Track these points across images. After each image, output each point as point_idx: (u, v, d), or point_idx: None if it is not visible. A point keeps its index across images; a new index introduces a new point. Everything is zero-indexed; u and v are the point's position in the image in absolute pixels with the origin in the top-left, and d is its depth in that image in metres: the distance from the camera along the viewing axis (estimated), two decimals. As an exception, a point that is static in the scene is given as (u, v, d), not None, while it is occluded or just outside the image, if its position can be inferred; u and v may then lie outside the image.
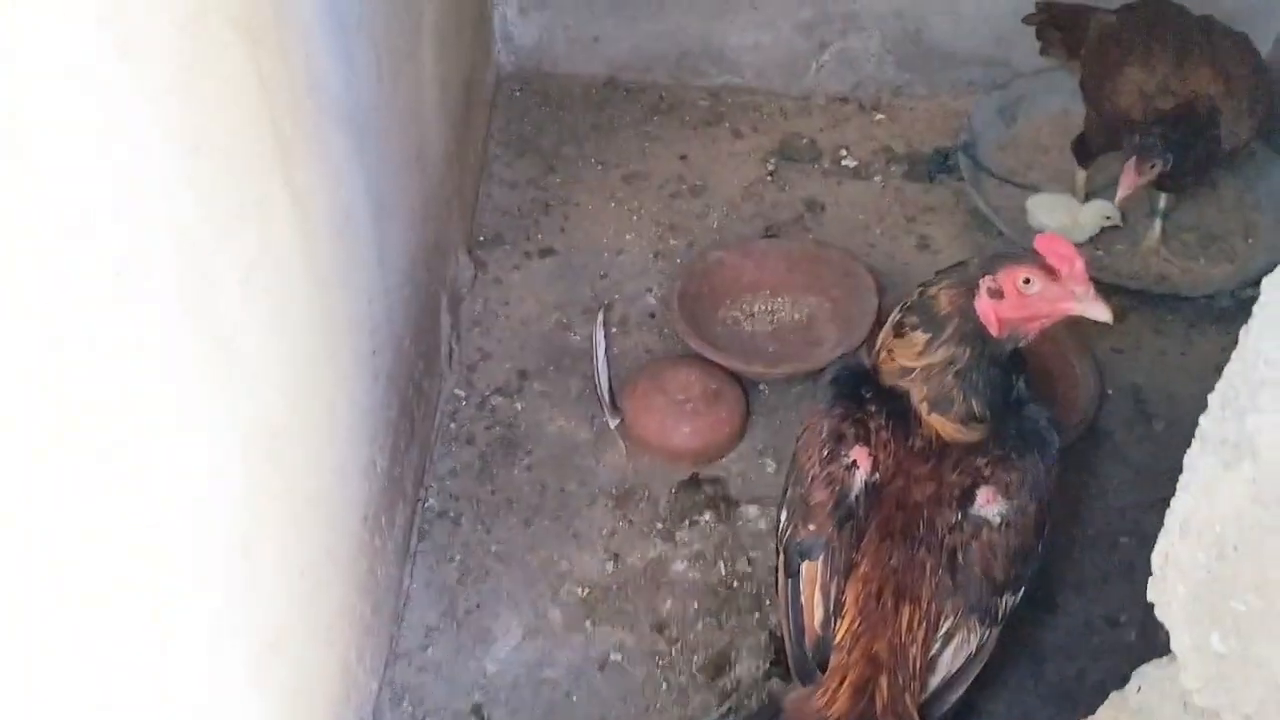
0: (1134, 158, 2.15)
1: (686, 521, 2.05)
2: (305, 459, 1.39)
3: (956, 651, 1.44)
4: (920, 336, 1.45)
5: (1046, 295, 1.39)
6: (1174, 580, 0.86)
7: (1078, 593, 1.97)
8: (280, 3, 1.23)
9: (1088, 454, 2.15)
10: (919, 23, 2.74)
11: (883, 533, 1.45)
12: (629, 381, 2.21)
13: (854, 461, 1.46)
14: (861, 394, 1.52)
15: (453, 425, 2.19)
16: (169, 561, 1.05)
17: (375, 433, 1.68)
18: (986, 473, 1.45)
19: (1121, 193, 2.19)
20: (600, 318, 2.35)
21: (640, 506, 2.08)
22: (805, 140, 2.78)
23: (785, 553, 1.51)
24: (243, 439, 1.18)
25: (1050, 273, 1.38)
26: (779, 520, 1.58)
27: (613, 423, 2.18)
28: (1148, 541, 1.99)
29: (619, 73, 2.90)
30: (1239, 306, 2.36)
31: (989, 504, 1.44)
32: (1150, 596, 0.92)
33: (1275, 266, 2.41)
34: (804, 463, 1.52)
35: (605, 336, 2.31)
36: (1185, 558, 0.85)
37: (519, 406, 2.24)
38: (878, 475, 1.46)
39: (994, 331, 1.42)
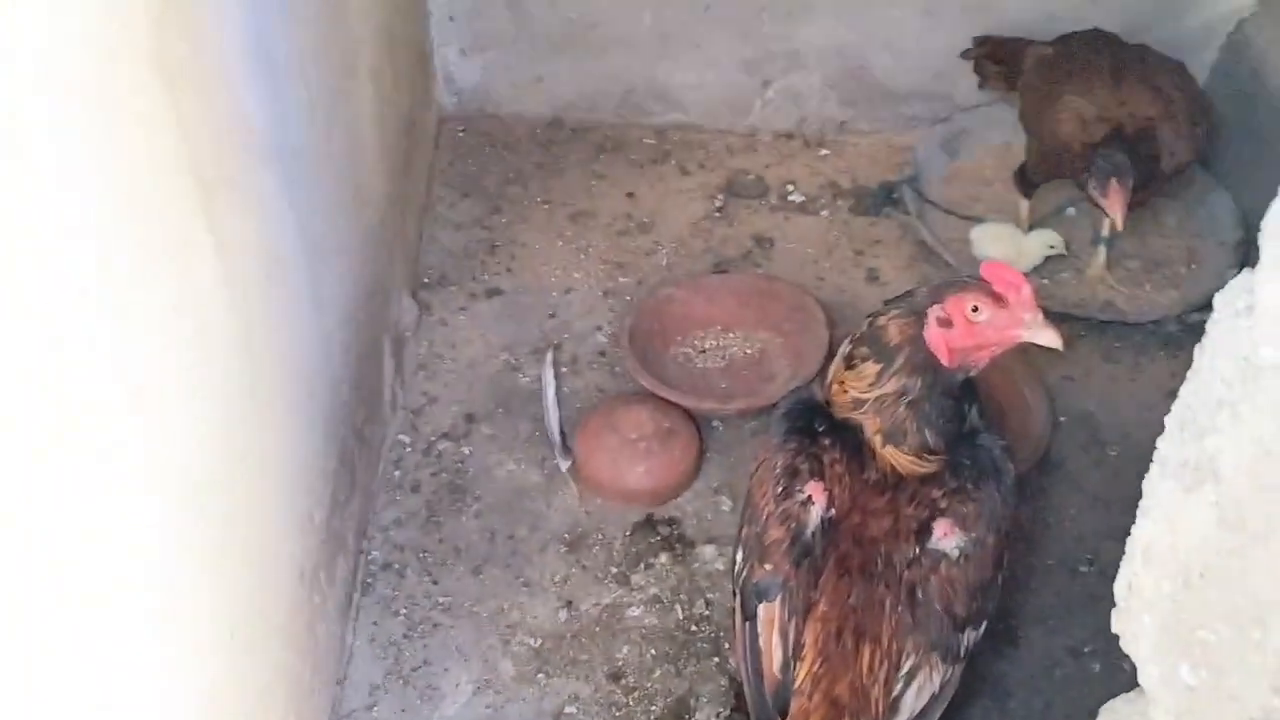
0: (1112, 180, 2.15)
1: (642, 564, 2.00)
2: (234, 514, 1.33)
3: (919, 691, 1.40)
4: (871, 368, 1.42)
5: (995, 323, 1.37)
6: (1139, 611, 0.82)
7: (1039, 624, 1.94)
8: (200, 41, 1.19)
9: (1042, 482, 2.14)
10: (860, 60, 2.75)
11: (840, 570, 1.41)
12: (580, 422, 2.17)
13: (809, 497, 1.42)
14: (815, 427, 1.48)
15: (397, 472, 2.12)
16: (81, 624, 0.98)
17: (312, 484, 1.62)
18: (943, 505, 1.43)
19: (1120, 216, 2.17)
20: (549, 358, 2.30)
21: (594, 551, 2.02)
22: (752, 176, 2.77)
23: (742, 595, 1.46)
24: (162, 493, 1.12)
25: (998, 300, 1.36)
26: (734, 560, 1.53)
27: (564, 465, 2.13)
28: (1108, 569, 1.97)
29: (564, 112, 2.89)
30: (1185, 332, 2.37)
31: (947, 537, 1.40)
32: (1115, 628, 0.88)
33: (1220, 291, 2.41)
34: (758, 500, 1.48)
35: (555, 377, 2.27)
36: (1150, 587, 0.82)
37: (466, 451, 2.18)
38: (833, 510, 1.42)
39: (945, 361, 1.40)
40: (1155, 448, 0.83)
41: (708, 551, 2.03)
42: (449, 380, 2.31)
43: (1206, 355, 0.74)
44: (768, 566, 1.42)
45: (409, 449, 2.17)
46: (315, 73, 1.62)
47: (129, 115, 1.03)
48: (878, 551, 1.40)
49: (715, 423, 2.22)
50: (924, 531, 1.41)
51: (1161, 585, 0.80)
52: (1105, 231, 2.47)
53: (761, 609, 1.41)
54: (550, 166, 2.80)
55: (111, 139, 1.00)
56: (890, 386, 1.41)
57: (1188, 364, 2.36)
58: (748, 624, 1.44)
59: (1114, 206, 2.16)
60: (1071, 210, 2.63)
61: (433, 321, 2.42)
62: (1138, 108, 2.24)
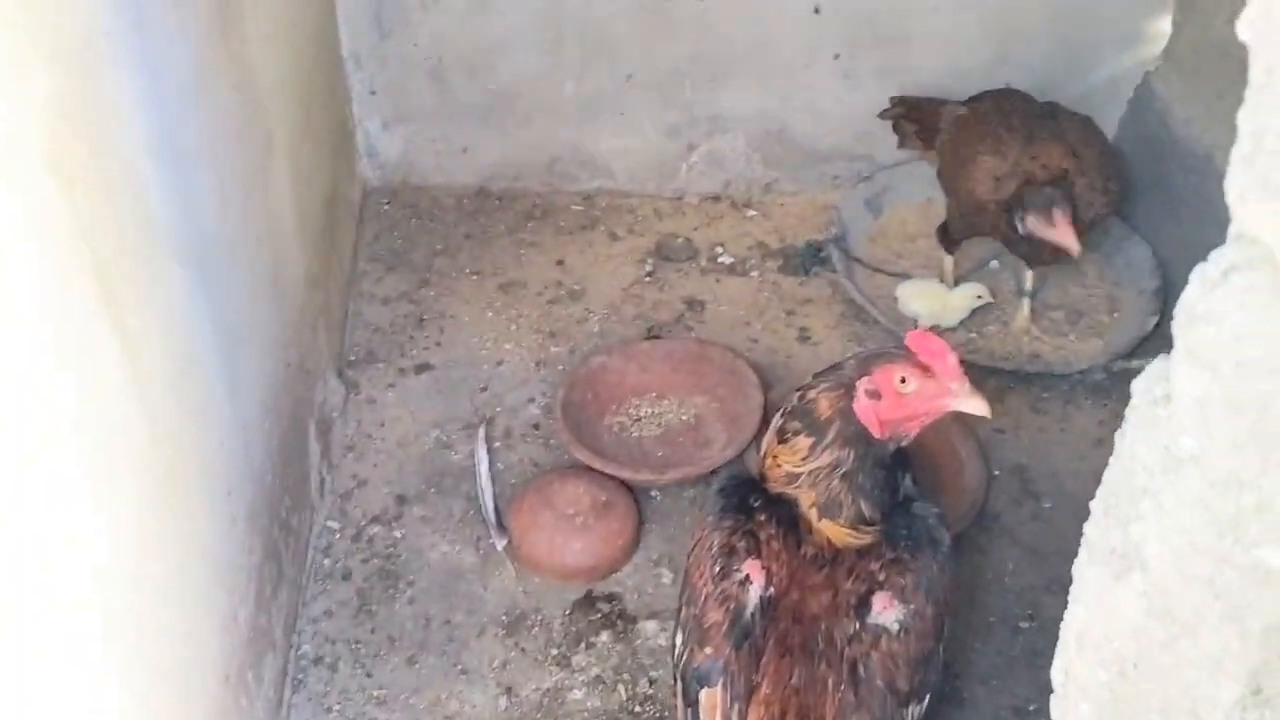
0: (1054, 210, 2.18)
1: (583, 644, 1.96)
2: (150, 621, 1.27)
3: None
4: (804, 441, 1.41)
5: (923, 393, 1.38)
6: (1076, 698, 0.81)
7: (983, 684, 1.93)
8: (100, 139, 1.15)
9: (979, 538, 2.14)
10: (782, 122, 2.79)
11: (781, 649, 1.38)
12: (515, 499, 2.13)
13: (747, 576, 1.40)
14: (750, 503, 1.47)
15: (327, 561, 2.06)
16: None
17: (235, 582, 1.56)
18: (881, 577, 1.41)
19: (1073, 242, 2.18)
20: (482, 433, 2.26)
21: (533, 632, 1.97)
22: (681, 240, 2.77)
23: (683, 680, 1.43)
24: (71, 604, 1.06)
25: (925, 370, 1.37)
26: (674, 643, 1.50)
27: (500, 544, 2.09)
28: (1048, 625, 1.98)
29: (490, 181, 2.87)
30: (1111, 380, 2.40)
31: (886, 610, 1.39)
32: (1054, 716, 0.87)
33: (1141, 340, 2.46)
34: (696, 581, 1.45)
35: (488, 453, 2.23)
36: (1085, 675, 0.81)
37: (398, 534, 2.12)
38: (772, 588, 1.40)
39: (875, 433, 1.39)
40: (1084, 532, 0.82)
41: (649, 627, 1.99)
42: (379, 461, 2.25)
43: (1127, 441, 0.73)
44: (708, 650, 1.39)
45: (338, 535, 2.11)
46: (227, 157, 1.59)
47: (20, 219, 0.99)
48: (818, 629, 1.38)
49: (653, 493, 2.19)
50: (863, 605, 1.39)
51: (1097, 674, 0.79)
52: (1028, 285, 2.51)
53: (703, 695, 1.38)
54: (478, 236, 2.78)
55: (1, 246, 0.96)
56: (823, 460, 1.40)
57: (1115, 413, 2.38)
58: (689, 710, 1.40)
59: (1064, 234, 2.18)
60: (995, 264, 2.68)
61: (360, 400, 2.37)
62: (1050, 162, 2.29)
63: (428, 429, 2.32)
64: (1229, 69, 2.30)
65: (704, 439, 2.29)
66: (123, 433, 1.19)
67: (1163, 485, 0.70)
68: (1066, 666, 0.84)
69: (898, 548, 1.43)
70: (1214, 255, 0.64)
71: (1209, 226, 2.54)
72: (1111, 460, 0.77)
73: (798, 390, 1.46)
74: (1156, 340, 2.43)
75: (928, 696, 1.44)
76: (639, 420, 2.33)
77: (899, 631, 1.38)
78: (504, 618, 1.98)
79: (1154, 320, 2.41)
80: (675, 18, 2.61)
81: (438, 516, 2.15)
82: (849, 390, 1.39)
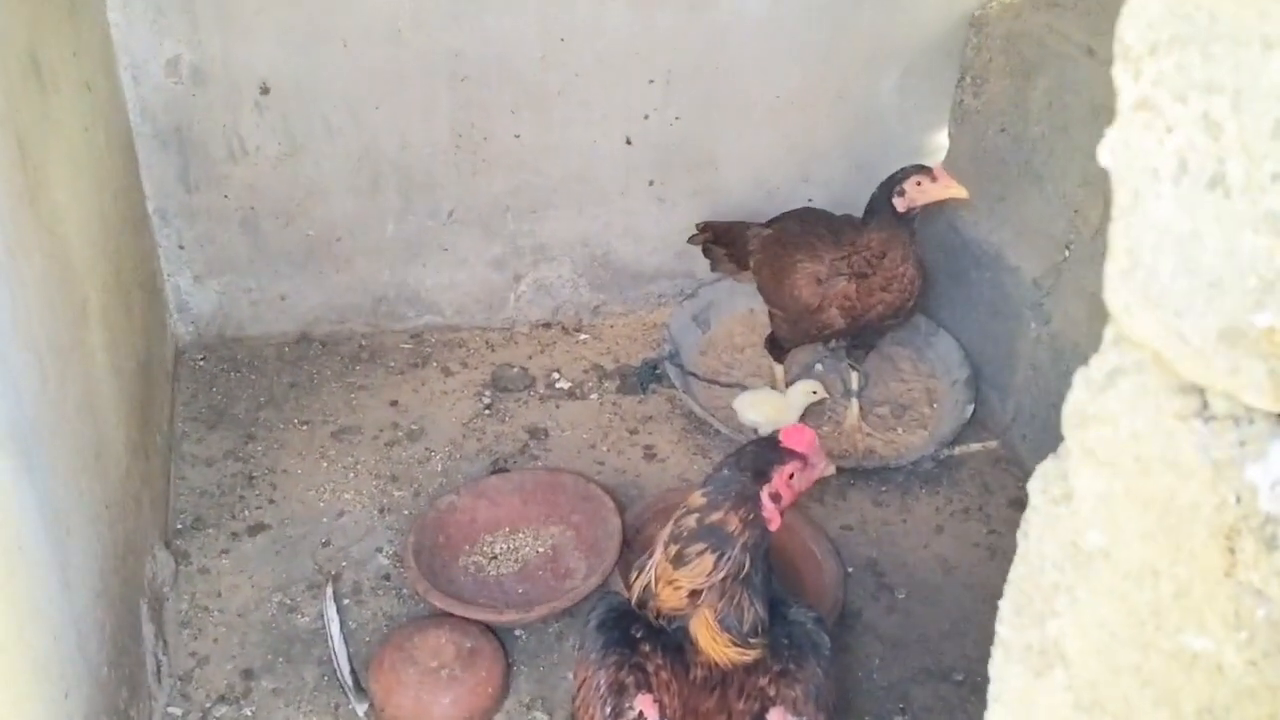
0: (934, 168, 2.28)
1: (462, 805, 1.85)
2: None
3: None
4: (709, 558, 1.42)
5: (805, 478, 1.50)
6: (1007, 799, 0.82)
7: (868, 784, 1.95)
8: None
9: (843, 636, 2.18)
10: (604, 247, 2.86)
11: None
12: (374, 658, 2.01)
13: (640, 714, 1.37)
14: (633, 634, 1.45)
15: (172, 753, 1.88)
16: None
17: (77, 798, 1.39)
18: (771, 692, 1.41)
19: (962, 191, 2.25)
20: (329, 592, 2.14)
21: (408, 801, 1.85)
22: (516, 369, 2.77)
23: (588, 828, 1.37)
24: None
25: (803, 459, 1.44)
26: None
27: (360, 709, 1.97)
28: (921, 716, 2.02)
29: (311, 327, 2.80)
30: (940, 468, 2.54)
31: None
32: (986, 818, 0.88)
33: (961, 427, 2.60)
34: None
35: (338, 612, 2.11)
36: (1014, 772, 0.82)
37: (249, 712, 1.97)
38: None
39: (774, 528, 1.45)
40: (995, 631, 0.84)
41: (530, 776, 1.91)
42: (218, 635, 2.09)
43: (1031, 541, 0.76)
44: None
45: (182, 722, 1.93)
46: (43, 334, 1.48)
47: None
48: None
49: (517, 632, 2.13)
50: None
51: (1028, 770, 0.81)
52: (854, 384, 2.64)
53: (613, 841, 1.33)
54: (304, 384, 2.69)
55: None
56: (730, 569, 1.42)
57: (949, 499, 2.49)
58: None
59: (950, 184, 2.24)
60: (819, 367, 2.80)
61: (192, 571, 2.21)
62: (864, 250, 2.43)
63: (269, 594, 2.18)
64: (1005, 174, 2.55)
65: (564, 569, 2.25)
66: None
67: (1075, 580, 0.73)
68: (994, 767, 0.85)
69: (783, 658, 1.44)
70: (1095, 360, 0.69)
71: (1005, 318, 2.76)
72: (1016, 560, 0.80)
73: (685, 514, 1.46)
74: (974, 426, 2.60)
75: None
76: (495, 558, 2.27)
77: None
78: (376, 789, 1.86)
79: (970, 408, 2.56)
80: (491, 155, 2.66)
81: (290, 688, 2.01)
82: (754, 502, 1.43)
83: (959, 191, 2.26)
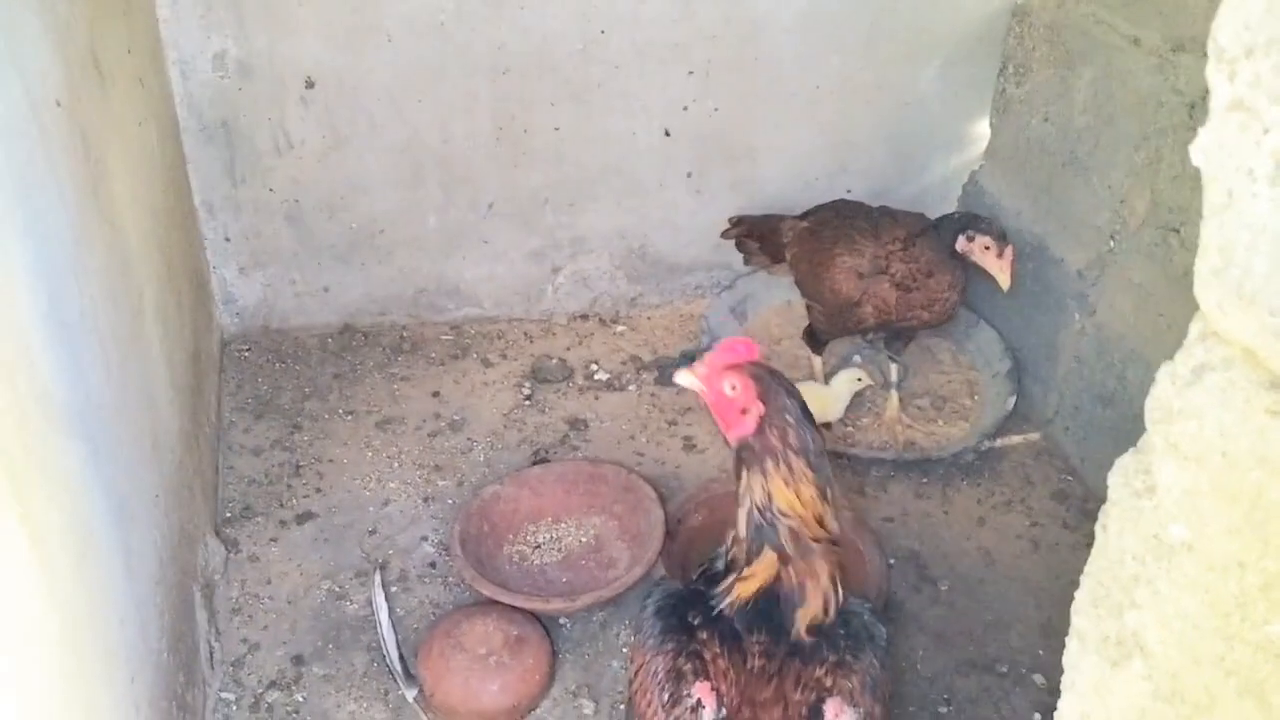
0: (1009, 247, 2.29)
1: (511, 791, 1.87)
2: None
3: None
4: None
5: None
6: (1080, 786, 0.83)
7: (914, 774, 1.95)
8: (-4, 316, 1.08)
9: (888, 629, 2.18)
10: (642, 240, 2.87)
11: None
12: (422, 644, 2.04)
13: (698, 701, 1.37)
14: (689, 621, 1.44)
15: (226, 737, 1.92)
16: None
17: (144, 779, 1.43)
18: (828, 683, 1.41)
19: (1007, 281, 2.29)
20: (377, 579, 2.17)
21: (458, 786, 1.88)
22: (555, 360, 2.79)
23: (645, 815, 1.38)
24: None
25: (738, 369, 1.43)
26: None
27: (410, 695, 1.99)
28: (964, 707, 2.03)
29: (354, 318, 2.82)
30: (982, 460, 2.53)
31: (839, 717, 1.39)
32: (1057, 806, 0.89)
33: (1004, 419, 2.59)
34: (644, 709, 1.41)
35: (386, 599, 2.14)
36: (1089, 762, 0.83)
37: (300, 698, 2.00)
38: (724, 710, 1.38)
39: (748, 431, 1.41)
40: (1071, 621, 0.85)
41: (578, 763, 1.93)
42: (269, 622, 2.13)
43: (1111, 535, 0.77)
44: None
45: (235, 706, 1.97)
46: (107, 323, 1.51)
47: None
48: None
49: (563, 621, 2.15)
50: (815, 715, 1.39)
51: (1102, 759, 0.82)
52: (894, 376, 2.64)
53: (671, 828, 1.34)
54: (347, 375, 2.72)
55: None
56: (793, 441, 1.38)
57: (991, 491, 2.48)
58: (657, 846, 1.36)
59: (1005, 270, 2.28)
60: (857, 359, 2.80)
61: (242, 559, 2.24)
62: (892, 242, 2.43)
63: (318, 581, 2.21)
64: (1048, 164, 2.54)
65: (607, 559, 2.27)
66: (34, 635, 1.09)
67: (1156, 573, 0.74)
68: (1066, 755, 0.86)
69: (839, 649, 1.44)
70: (1180, 356, 0.70)
71: (1048, 310, 2.74)
72: (1094, 552, 0.81)
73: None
74: (1016, 418, 2.59)
75: None
76: (538, 547, 2.29)
77: None
78: (426, 774, 1.88)
79: (1012, 400, 2.56)
80: (532, 147, 2.67)
81: (340, 674, 2.04)
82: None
83: (1004, 280, 2.31)
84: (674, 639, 1.42)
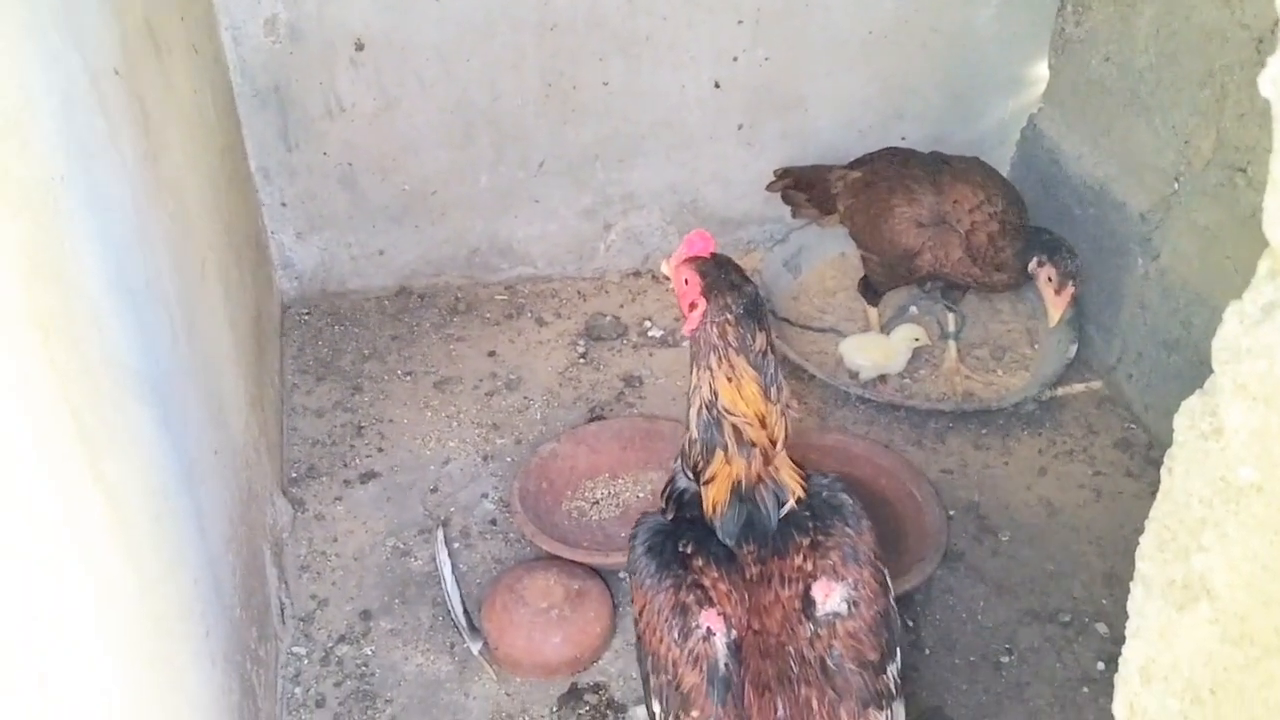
0: (1073, 283, 2.31)
1: (575, 740, 1.91)
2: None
3: None
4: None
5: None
6: (1146, 731, 0.83)
7: (976, 723, 1.95)
8: (66, 284, 1.11)
9: (947, 579, 2.18)
10: (693, 194, 2.85)
11: (759, 688, 1.35)
12: (485, 598, 2.08)
13: (709, 629, 1.37)
14: (681, 551, 1.43)
15: (297, 690, 1.97)
16: None
17: (222, 727, 1.48)
18: (809, 568, 1.40)
19: (1056, 317, 2.38)
20: (439, 536, 2.21)
21: (523, 735, 1.92)
22: (609, 318, 2.79)
23: (674, 747, 1.39)
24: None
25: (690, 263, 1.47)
26: (652, 713, 1.45)
27: (475, 647, 2.03)
28: (1027, 657, 2.02)
29: (410, 280, 2.85)
30: (1043, 409, 2.50)
31: (830, 596, 1.37)
32: (1123, 751, 0.88)
33: (1065, 368, 2.57)
34: (657, 648, 1.40)
35: (449, 555, 2.18)
36: (1154, 706, 0.83)
37: (369, 651, 2.05)
38: (734, 632, 1.38)
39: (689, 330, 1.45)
40: (1135, 567, 0.84)
41: (639, 714, 1.95)
42: (336, 578, 2.18)
43: (1177, 478, 0.76)
44: (695, 714, 1.36)
45: (306, 660, 2.02)
46: (171, 290, 1.54)
47: (10, 380, 0.94)
48: (786, 654, 1.36)
49: (622, 574, 2.17)
50: (808, 604, 1.38)
51: (1167, 703, 0.81)
52: (951, 326, 2.61)
53: (700, 757, 1.35)
54: (405, 336, 2.75)
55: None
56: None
57: (1052, 441, 2.46)
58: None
59: (1060, 305, 2.34)
60: (914, 309, 2.77)
61: (308, 518, 2.29)
62: (962, 199, 2.40)
63: (383, 538, 2.26)
64: (1110, 105, 2.47)
65: (665, 514, 2.28)
66: (113, 591, 1.13)
67: (1224, 515, 0.73)
68: (1131, 700, 0.86)
69: (808, 530, 1.42)
70: (1248, 294, 0.68)
71: (1111, 255, 2.70)
72: (1159, 496, 0.80)
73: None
74: (1077, 366, 2.55)
75: (898, 651, 1.43)
76: (596, 503, 2.32)
77: (849, 609, 1.37)
78: (491, 724, 1.93)
79: (1073, 348, 2.52)
80: (581, 103, 2.66)
81: (406, 628, 2.09)
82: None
83: (1053, 317, 2.38)
84: (671, 574, 1.41)
